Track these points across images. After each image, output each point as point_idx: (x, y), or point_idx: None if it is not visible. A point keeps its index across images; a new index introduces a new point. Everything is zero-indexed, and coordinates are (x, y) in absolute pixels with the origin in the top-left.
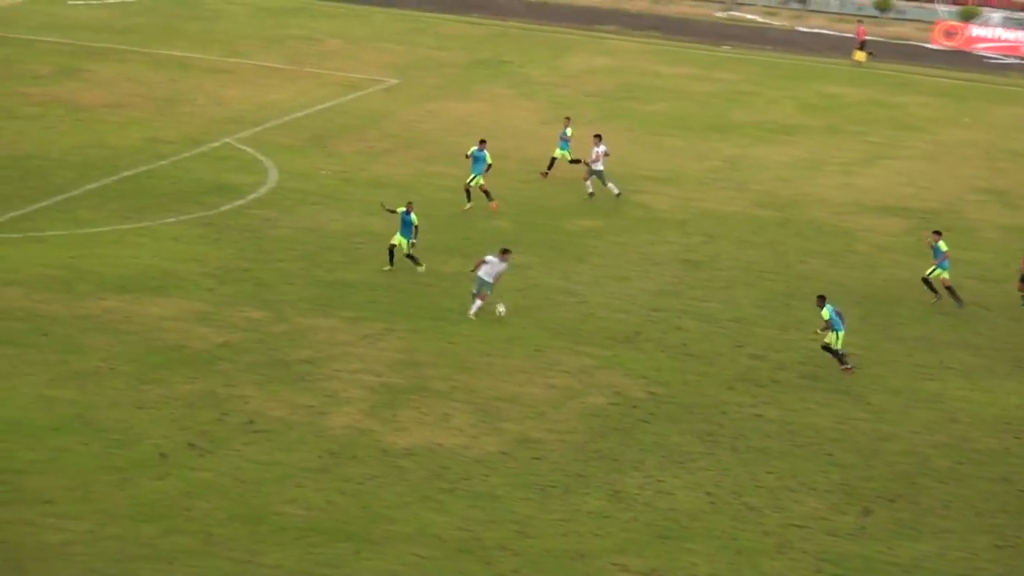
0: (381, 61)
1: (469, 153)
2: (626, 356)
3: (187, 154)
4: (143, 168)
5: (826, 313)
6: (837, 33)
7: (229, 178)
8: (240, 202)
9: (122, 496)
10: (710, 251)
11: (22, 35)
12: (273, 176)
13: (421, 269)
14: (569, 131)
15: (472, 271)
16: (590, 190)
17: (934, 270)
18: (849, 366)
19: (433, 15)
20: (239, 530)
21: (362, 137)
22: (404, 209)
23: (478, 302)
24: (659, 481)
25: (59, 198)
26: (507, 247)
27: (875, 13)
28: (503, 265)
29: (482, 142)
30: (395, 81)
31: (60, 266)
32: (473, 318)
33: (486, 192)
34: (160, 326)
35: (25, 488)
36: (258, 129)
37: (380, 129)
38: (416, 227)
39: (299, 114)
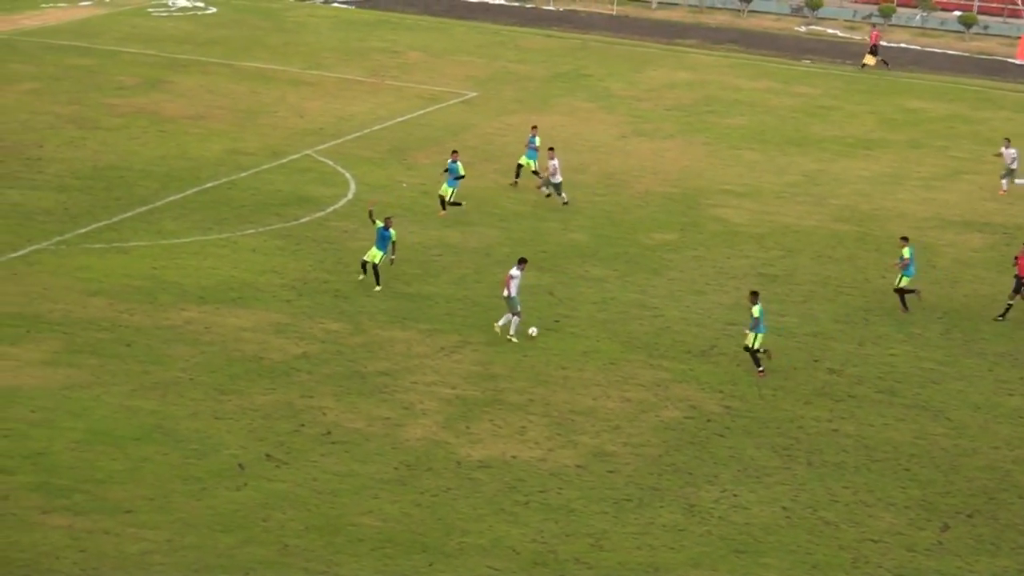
0: (461, 74)
1: (446, 169)
2: (702, 370)
3: (267, 166)
4: (224, 179)
5: (756, 311)
6: (920, 48)
7: (309, 190)
8: (319, 214)
9: (200, 506)
10: (787, 265)
11: (107, 46)
12: (352, 188)
13: (377, 288)
14: (537, 140)
15: (506, 295)
16: (546, 191)
17: (900, 278)
18: (762, 369)
19: (514, 28)
20: (315, 541)
21: (441, 150)
22: (382, 225)
23: (515, 319)
24: (734, 495)
25: (142, 209)
26: (524, 257)
27: (960, 28)
28: (519, 274)
29: (454, 153)
30: (475, 94)
31: (143, 276)
32: (515, 338)
33: (442, 200)
34: (239, 337)
35: (106, 498)
36: (338, 141)
37: (459, 142)
38: (394, 243)
39: (379, 126)
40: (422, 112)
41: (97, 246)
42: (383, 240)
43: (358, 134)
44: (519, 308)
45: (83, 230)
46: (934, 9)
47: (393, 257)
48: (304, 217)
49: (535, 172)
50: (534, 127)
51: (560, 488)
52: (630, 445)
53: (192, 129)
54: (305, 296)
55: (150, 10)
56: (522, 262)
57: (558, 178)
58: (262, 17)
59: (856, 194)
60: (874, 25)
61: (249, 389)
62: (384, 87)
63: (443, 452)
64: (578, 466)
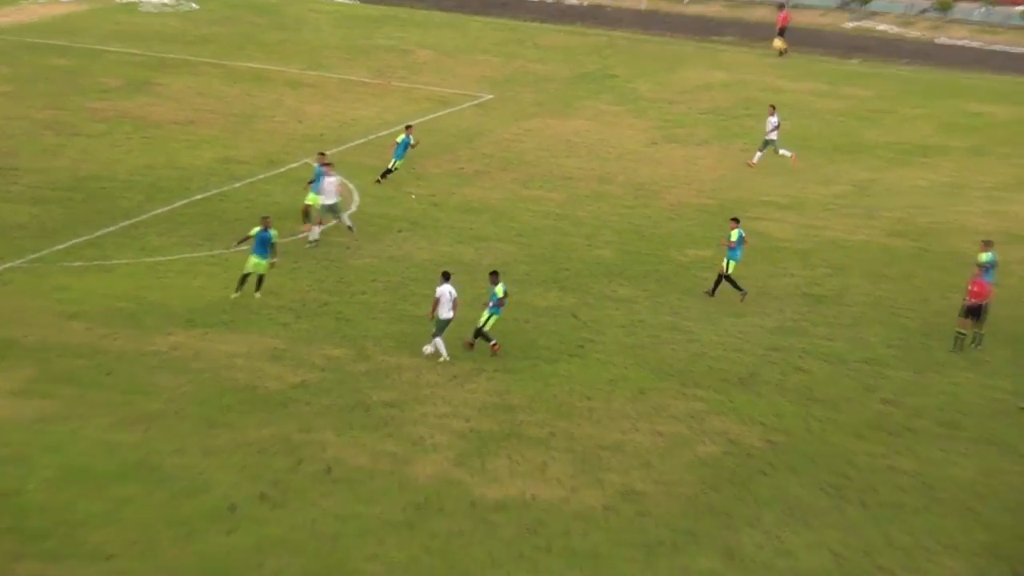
0: (475, 75)
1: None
2: (741, 400)
3: (263, 175)
4: (216, 191)
5: (500, 290)
6: (982, 45)
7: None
8: (320, 228)
9: (188, 551)
10: (836, 284)
11: (89, 45)
12: (356, 200)
13: (234, 295)
14: (411, 139)
15: (431, 313)
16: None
17: (727, 261)
18: (494, 342)
19: (533, 24)
20: None
21: (453, 158)
22: (260, 228)
23: (439, 341)
24: (779, 539)
25: (126, 223)
26: (447, 270)
27: (1022, 23)
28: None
29: (321, 155)
30: (490, 96)
31: (126, 298)
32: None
33: (307, 212)
34: (231, 364)
35: (85, 542)
36: (341, 148)
37: (473, 149)
38: (274, 245)
39: (385, 132)
40: (432, 116)
41: (76, 264)
42: (263, 244)
43: (362, 140)
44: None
45: (61, 246)
46: (996, 3)
47: (276, 260)
48: (304, 233)
49: (384, 174)
50: (408, 126)
51: (585, 531)
52: (662, 484)
53: (181, 135)
54: (304, 319)
55: (137, 2)
56: (446, 277)
57: (333, 199)
58: (257, 13)
59: (912, 206)
60: (781, 6)
61: (242, 422)
62: (391, 89)
63: (456, 491)
64: (605, 507)
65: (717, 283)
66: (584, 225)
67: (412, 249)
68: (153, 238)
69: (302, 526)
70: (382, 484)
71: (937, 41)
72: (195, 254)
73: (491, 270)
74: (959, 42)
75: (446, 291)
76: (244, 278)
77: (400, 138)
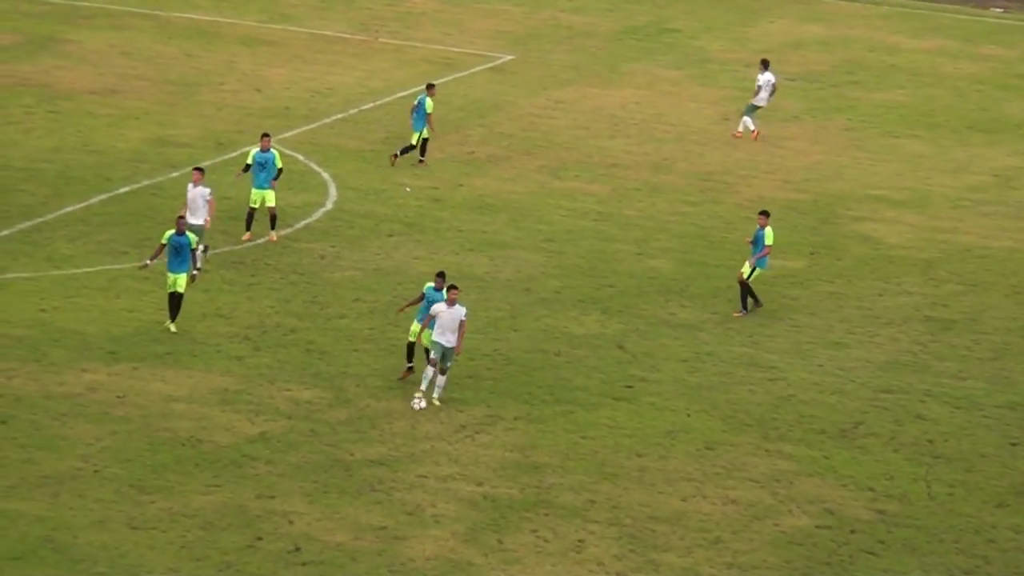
0: (490, 28)
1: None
2: (841, 458)
3: (209, 162)
4: (147, 182)
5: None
6: None
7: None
8: (285, 232)
9: None
10: (970, 305)
11: None
12: (332, 194)
13: (171, 326)
14: (429, 103)
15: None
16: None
17: (753, 270)
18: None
19: None
20: None
21: (461, 138)
22: (173, 231)
23: (430, 372)
24: None
25: (25, 225)
26: (453, 284)
27: None
28: (457, 312)
29: (265, 137)
30: (510, 57)
31: (26, 323)
32: (436, 403)
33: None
34: (168, 411)
35: None
36: (312, 126)
37: (487, 127)
38: (194, 251)
39: (370, 105)
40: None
41: None
42: (179, 253)
43: (340, 116)
44: (439, 359)
45: None
46: None
47: (197, 271)
48: (262, 236)
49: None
50: (430, 86)
51: None
52: (737, 567)
53: (100, 109)
54: (264, 351)
55: None
56: (450, 287)
57: (200, 219)
58: None
59: None
60: None
61: (182, 486)
62: (378, 48)
63: None
64: None
65: (745, 296)
66: (634, 227)
67: (406, 259)
68: (62, 245)
69: None
70: (367, 568)
71: None
72: (118, 266)
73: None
74: None
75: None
76: (173, 300)
77: (421, 100)
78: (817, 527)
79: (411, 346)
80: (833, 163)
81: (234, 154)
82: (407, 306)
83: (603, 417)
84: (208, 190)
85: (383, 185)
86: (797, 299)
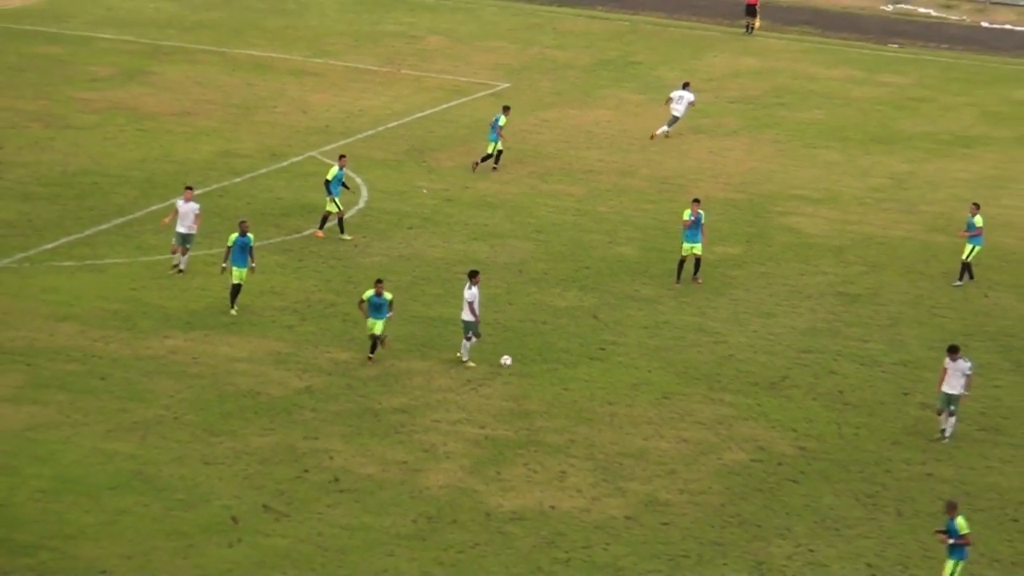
0: (490, 62)
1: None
2: (771, 405)
3: (265, 170)
4: (215, 186)
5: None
6: None
7: (313, 197)
8: (328, 225)
9: (187, 565)
10: (872, 283)
11: (79, 31)
12: (364, 195)
13: (233, 311)
14: (503, 120)
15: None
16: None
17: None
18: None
19: (551, 9)
20: None
21: (467, 150)
22: (237, 233)
23: (466, 343)
24: (810, 551)
25: (119, 221)
26: (475, 269)
27: None
28: (474, 292)
29: (342, 157)
30: (506, 85)
31: (120, 299)
32: (471, 363)
33: (325, 218)
34: (232, 369)
35: (77, 556)
36: (348, 141)
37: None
38: (252, 249)
39: (394, 123)
40: (445, 107)
41: (66, 264)
42: (242, 251)
43: (370, 132)
44: (470, 332)
45: (50, 245)
46: None
47: (254, 265)
48: (308, 229)
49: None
50: (506, 108)
51: (606, 543)
52: (687, 493)
53: (177, 127)
54: (309, 321)
55: None
56: (474, 275)
57: (188, 229)
58: None
59: (953, 200)
60: None
61: (244, 429)
62: (401, 78)
63: (470, 502)
64: (627, 517)
65: (681, 268)
66: (605, 221)
67: (423, 247)
68: (148, 236)
69: (308, 539)
70: (392, 494)
71: (982, 24)
72: (193, 253)
73: (377, 278)
74: (1004, 26)
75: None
76: (235, 288)
77: (496, 118)
78: (751, 461)
79: (373, 338)
80: (764, 169)
81: (285, 163)
82: (362, 310)
83: (581, 373)
84: (198, 205)
85: (405, 188)
86: (735, 278)
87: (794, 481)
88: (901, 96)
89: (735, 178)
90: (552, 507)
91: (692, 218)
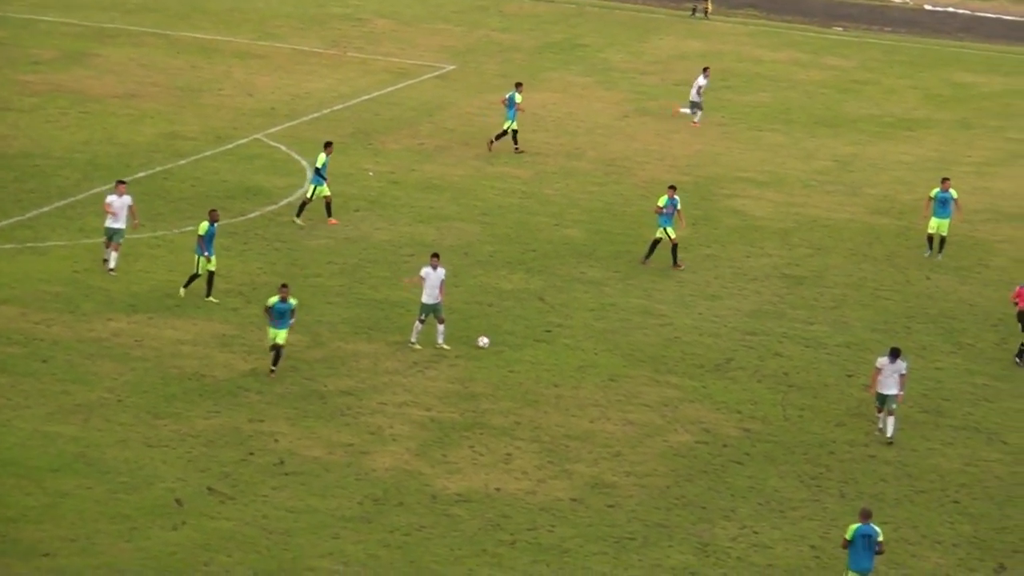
0: (436, 44)
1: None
2: (716, 387)
3: (210, 152)
4: (159, 168)
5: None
6: (970, 12)
7: (259, 180)
8: (271, 208)
9: (130, 548)
10: (816, 265)
11: (21, 14)
12: (310, 177)
13: (213, 299)
14: (518, 97)
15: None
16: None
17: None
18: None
19: None
20: None
21: (413, 133)
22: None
23: (419, 326)
24: (755, 532)
25: (62, 203)
26: (436, 252)
27: None
28: (439, 273)
29: (328, 144)
30: (452, 67)
31: (62, 282)
32: (446, 346)
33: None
34: (176, 351)
35: (19, 539)
36: (293, 123)
37: (434, 123)
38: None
39: (340, 106)
40: (391, 89)
41: (7, 246)
42: (212, 240)
43: (316, 115)
44: (428, 315)
45: None
46: None
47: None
48: (253, 212)
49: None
50: (518, 84)
51: (552, 525)
52: (633, 475)
53: (121, 110)
54: (254, 303)
55: None
56: (434, 255)
57: (121, 224)
58: None
59: (896, 182)
60: None
61: (188, 412)
62: (346, 60)
63: (416, 484)
64: (573, 500)
65: (653, 249)
66: (551, 203)
67: (370, 229)
68: (91, 218)
69: (253, 521)
70: (338, 477)
71: (925, 7)
72: (137, 235)
73: (282, 283)
74: (947, 8)
75: (428, 272)
76: (209, 277)
77: (511, 95)
78: (697, 442)
79: (275, 349)
80: (710, 152)
81: (230, 145)
82: (268, 316)
83: (527, 355)
84: (130, 198)
85: (351, 170)
86: (681, 260)
87: (739, 463)
88: (845, 79)
89: (681, 160)
90: (498, 489)
91: (669, 204)
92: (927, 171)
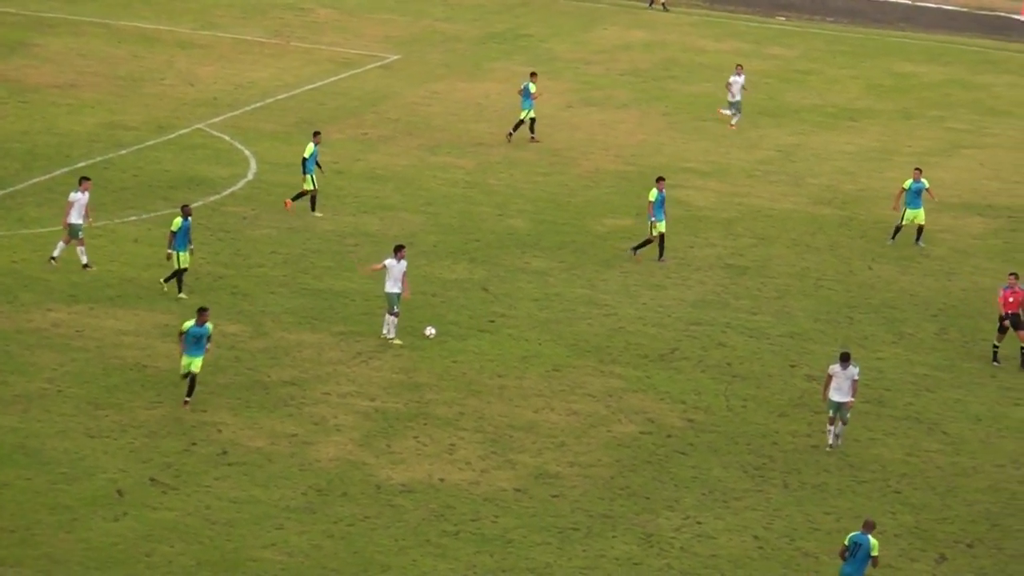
0: (380, 34)
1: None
2: (661, 377)
3: (152, 142)
4: (100, 158)
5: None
6: (910, 2)
7: (201, 170)
8: (214, 198)
9: (71, 539)
10: (760, 255)
11: None
12: (253, 168)
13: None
14: (533, 87)
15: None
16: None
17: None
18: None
19: None
20: None
21: (357, 122)
22: (182, 217)
23: (391, 319)
24: (698, 523)
25: (0, 193)
26: (401, 243)
27: None
28: (402, 265)
29: (316, 134)
30: (396, 57)
31: (1, 272)
32: (398, 341)
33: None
34: (118, 342)
35: None
36: (236, 113)
37: (378, 113)
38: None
39: (283, 95)
40: (335, 79)
41: None
42: (185, 235)
43: (259, 104)
44: (395, 307)
45: None
46: None
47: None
48: (196, 201)
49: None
50: (533, 74)
51: (495, 516)
52: (577, 465)
53: (61, 100)
54: (197, 294)
55: None
56: (399, 249)
57: (79, 220)
58: None
59: (838, 172)
60: None
61: (130, 402)
62: (290, 50)
63: (360, 475)
64: (516, 490)
65: (647, 243)
66: (495, 193)
67: (313, 219)
68: (30, 209)
69: (195, 512)
70: (281, 467)
71: None
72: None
73: (200, 307)
74: None
75: (391, 263)
76: (180, 274)
77: (526, 85)
78: (641, 433)
79: (189, 378)
80: (654, 142)
81: (172, 135)
82: (180, 343)
83: (471, 345)
84: (87, 196)
85: (295, 160)
86: (626, 250)
87: (683, 453)
88: (788, 69)
89: (625, 150)
90: (441, 479)
91: (659, 198)
92: (869, 161)
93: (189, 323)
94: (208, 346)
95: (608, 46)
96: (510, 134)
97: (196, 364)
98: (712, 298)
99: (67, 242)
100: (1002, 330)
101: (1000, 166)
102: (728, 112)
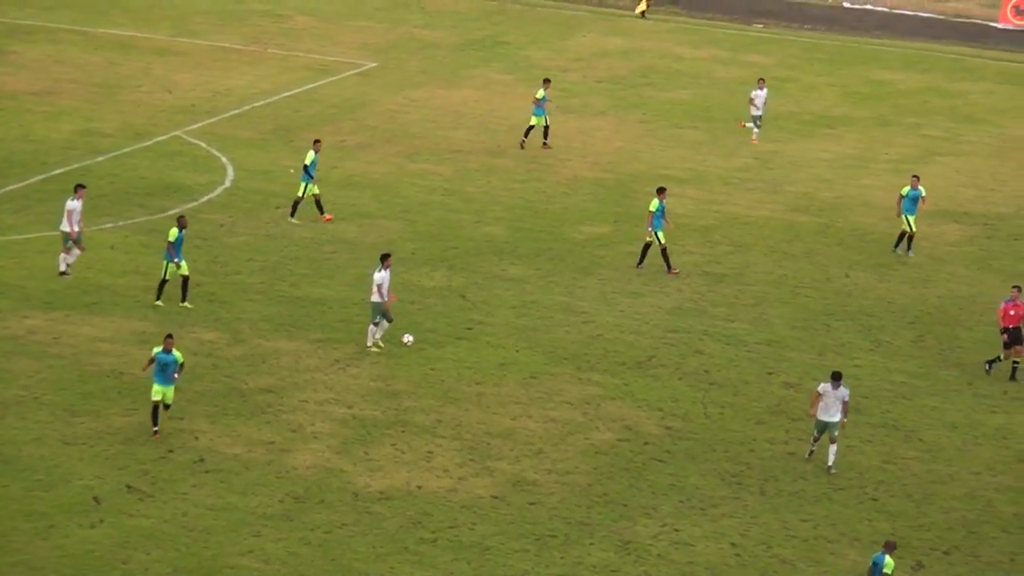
0: (357, 41)
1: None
2: (638, 385)
3: (128, 149)
4: (76, 165)
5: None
6: (887, 9)
7: (178, 177)
8: (191, 205)
9: (47, 546)
10: (737, 262)
11: None
12: (230, 175)
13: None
14: (547, 95)
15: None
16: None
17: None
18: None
19: None
20: None
21: (335, 129)
22: (179, 229)
23: (373, 329)
24: (676, 530)
25: None
26: (387, 252)
27: None
28: (385, 275)
29: (316, 143)
30: (373, 64)
31: None
32: (379, 346)
33: (319, 202)
34: (94, 349)
35: None
36: (213, 120)
37: (356, 120)
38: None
39: (261, 103)
40: (312, 86)
41: None
42: (181, 245)
43: (236, 111)
44: (379, 317)
45: None
46: None
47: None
48: (172, 208)
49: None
50: (546, 80)
51: (473, 523)
52: (555, 472)
53: (37, 107)
54: (173, 300)
55: None
56: (385, 258)
57: (75, 227)
58: None
59: (815, 180)
60: None
61: (106, 410)
62: (267, 57)
63: (337, 482)
64: (494, 497)
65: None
66: (473, 201)
67: (290, 227)
68: (7, 216)
69: (172, 519)
70: (258, 475)
71: (843, 5)
72: (54, 233)
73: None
74: (865, 6)
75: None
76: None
77: (539, 94)
78: (618, 440)
79: (156, 407)
80: (631, 149)
81: (149, 142)
82: (146, 367)
83: (448, 353)
84: (81, 203)
85: (272, 167)
86: (603, 257)
87: (660, 460)
88: (765, 76)
89: (603, 158)
90: (419, 487)
91: (660, 208)
92: (846, 168)
93: (157, 348)
94: (177, 376)
95: (586, 53)
96: (523, 141)
97: (168, 395)
98: (689, 305)
99: (82, 249)
100: (1007, 345)
101: (976, 173)
102: (751, 126)
